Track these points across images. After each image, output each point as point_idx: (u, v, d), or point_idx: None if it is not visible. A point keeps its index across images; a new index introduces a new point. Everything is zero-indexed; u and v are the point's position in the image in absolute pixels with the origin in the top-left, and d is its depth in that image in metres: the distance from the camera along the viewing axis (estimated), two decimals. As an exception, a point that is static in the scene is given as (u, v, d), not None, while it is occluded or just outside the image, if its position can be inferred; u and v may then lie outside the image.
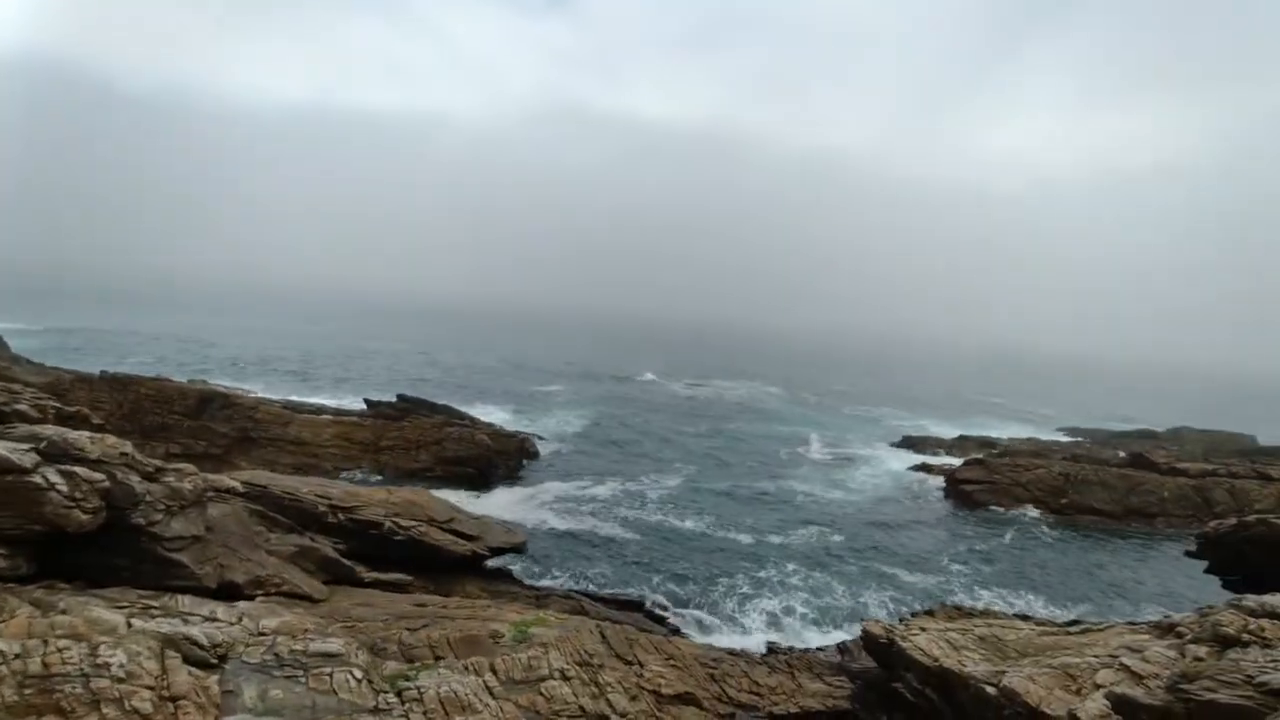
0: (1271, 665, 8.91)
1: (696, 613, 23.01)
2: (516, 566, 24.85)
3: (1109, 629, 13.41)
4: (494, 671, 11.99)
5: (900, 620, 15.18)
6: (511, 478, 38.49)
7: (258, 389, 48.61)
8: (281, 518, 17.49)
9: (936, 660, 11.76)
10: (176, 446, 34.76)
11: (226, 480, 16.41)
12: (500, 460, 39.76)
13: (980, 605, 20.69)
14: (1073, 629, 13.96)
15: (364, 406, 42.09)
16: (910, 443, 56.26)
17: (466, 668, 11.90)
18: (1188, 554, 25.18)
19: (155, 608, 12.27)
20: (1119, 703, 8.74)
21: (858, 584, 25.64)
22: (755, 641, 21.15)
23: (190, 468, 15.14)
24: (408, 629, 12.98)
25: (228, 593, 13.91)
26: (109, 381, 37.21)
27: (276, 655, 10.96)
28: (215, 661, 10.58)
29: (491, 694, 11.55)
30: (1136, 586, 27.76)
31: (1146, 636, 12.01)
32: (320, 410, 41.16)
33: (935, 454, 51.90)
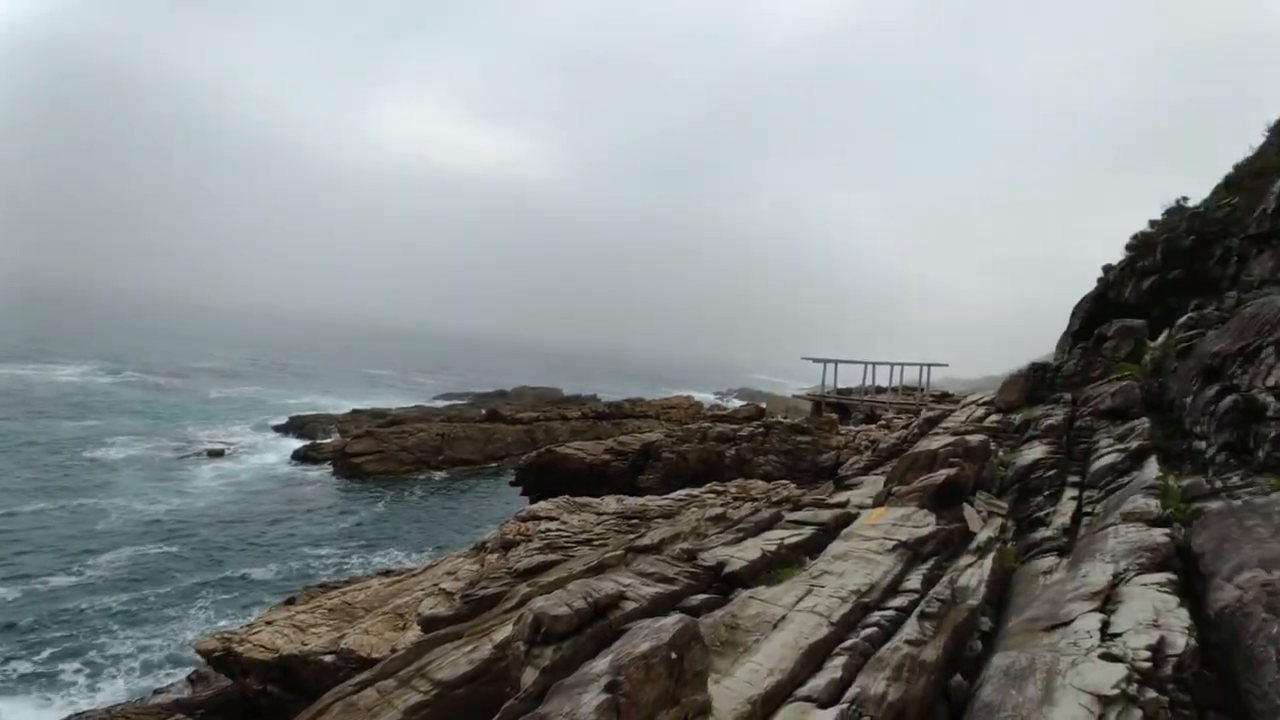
0: (526, 556, 12.23)
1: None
2: None
3: (442, 562, 15.86)
4: None
5: (248, 624, 13.74)
6: None
7: None
8: None
9: (277, 651, 11.08)
10: None
11: None
12: None
13: (346, 576, 21.14)
14: (417, 570, 15.88)
15: None
16: (299, 423, 53.37)
17: None
18: (510, 483, 33.24)
19: None
20: (425, 623, 10.19)
21: (202, 602, 21.18)
22: (57, 716, 15.39)
23: None
24: None
25: None
26: None
27: None
28: None
29: None
30: (479, 517, 34.07)
31: (464, 558, 14.75)
32: None
33: (328, 432, 51.02)
